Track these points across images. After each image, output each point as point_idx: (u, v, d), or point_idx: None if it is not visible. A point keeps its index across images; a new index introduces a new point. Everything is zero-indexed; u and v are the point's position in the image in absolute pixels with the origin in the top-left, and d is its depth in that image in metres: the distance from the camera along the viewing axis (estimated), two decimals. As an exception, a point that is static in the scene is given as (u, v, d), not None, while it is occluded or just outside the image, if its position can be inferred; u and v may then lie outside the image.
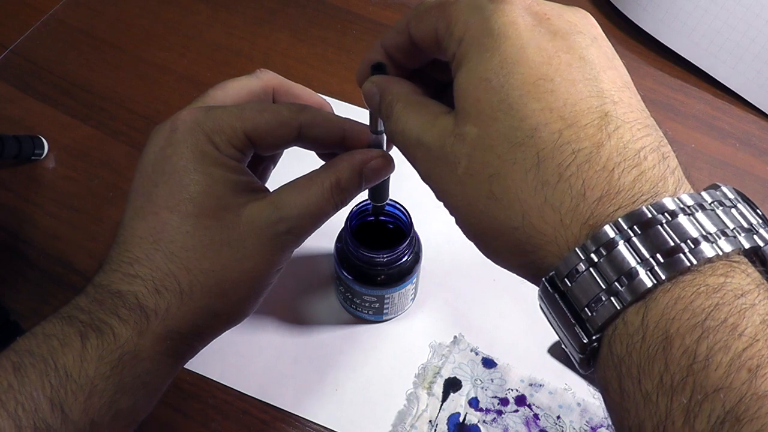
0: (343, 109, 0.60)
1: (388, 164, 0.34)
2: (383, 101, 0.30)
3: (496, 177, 0.24)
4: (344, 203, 0.33)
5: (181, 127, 0.31)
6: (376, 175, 0.33)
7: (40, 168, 0.57)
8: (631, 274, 0.21)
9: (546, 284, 0.23)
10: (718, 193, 0.23)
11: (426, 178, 0.27)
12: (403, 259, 0.44)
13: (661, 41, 0.64)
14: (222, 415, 0.45)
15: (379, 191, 0.38)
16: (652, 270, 0.21)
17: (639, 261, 0.21)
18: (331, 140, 0.34)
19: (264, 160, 0.37)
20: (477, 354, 0.47)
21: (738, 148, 0.59)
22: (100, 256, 0.52)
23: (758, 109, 0.61)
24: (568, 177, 0.22)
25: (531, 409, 0.45)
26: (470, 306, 0.50)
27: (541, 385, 0.46)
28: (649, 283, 0.21)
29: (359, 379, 0.47)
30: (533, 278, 0.25)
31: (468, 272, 0.51)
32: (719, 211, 0.22)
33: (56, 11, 0.67)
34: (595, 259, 0.22)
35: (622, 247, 0.21)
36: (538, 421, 0.45)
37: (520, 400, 0.46)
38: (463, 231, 0.27)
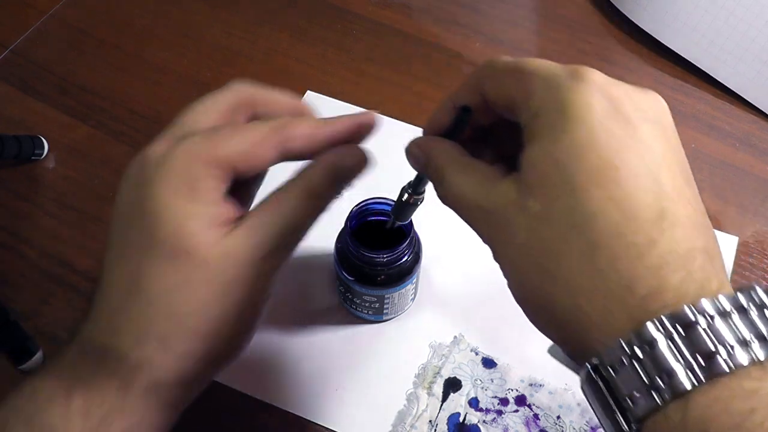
0: (343, 110, 0.60)
1: (362, 160, 0.33)
2: (430, 164, 0.30)
3: (552, 254, 0.24)
4: (323, 209, 0.32)
5: (152, 164, 0.29)
6: (351, 173, 0.33)
7: (40, 168, 0.57)
8: (673, 374, 0.22)
9: (590, 370, 0.24)
10: (753, 295, 0.24)
11: (485, 239, 0.28)
12: (403, 259, 0.44)
13: (661, 41, 0.64)
14: (221, 415, 0.45)
15: (403, 212, 0.38)
16: (692, 371, 0.22)
17: (680, 362, 0.22)
18: (315, 151, 0.32)
19: (247, 182, 0.34)
20: (477, 354, 0.47)
21: (738, 148, 0.59)
22: (100, 256, 0.52)
23: (758, 109, 0.61)
24: (620, 269, 0.23)
25: (531, 409, 0.45)
26: (470, 306, 0.50)
27: (541, 385, 0.46)
28: (689, 385, 0.22)
29: (359, 379, 0.47)
30: (573, 353, 0.26)
31: (468, 272, 0.51)
32: (754, 316, 0.23)
33: (56, 11, 0.67)
34: (639, 355, 0.22)
35: (664, 347, 0.22)
36: (538, 421, 0.45)
37: (520, 400, 0.46)
38: (513, 295, 0.27)
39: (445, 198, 0.29)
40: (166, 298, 0.28)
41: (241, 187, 0.33)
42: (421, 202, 0.37)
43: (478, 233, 0.28)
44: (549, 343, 0.44)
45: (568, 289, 0.24)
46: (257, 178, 0.35)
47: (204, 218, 0.29)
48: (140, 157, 0.30)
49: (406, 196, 0.36)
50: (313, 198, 0.31)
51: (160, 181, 0.29)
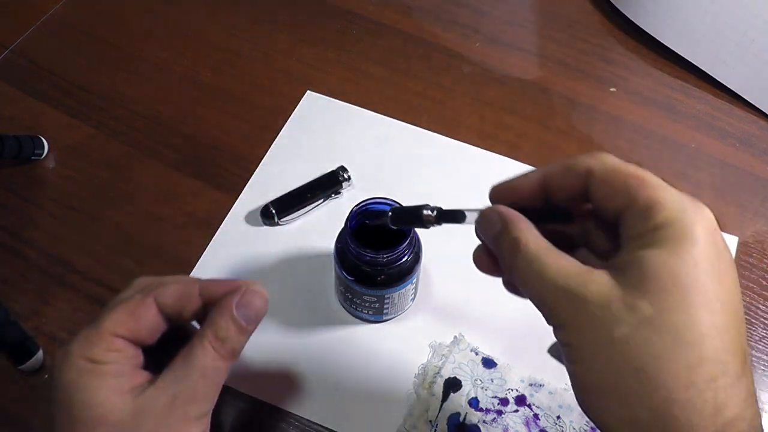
0: (343, 109, 0.60)
1: (262, 300, 0.34)
2: (506, 234, 0.30)
3: (655, 358, 0.26)
4: (234, 352, 0.33)
5: (60, 359, 0.32)
6: (253, 312, 0.34)
7: (40, 168, 0.57)
8: None
9: None
10: None
11: (561, 322, 0.28)
12: (403, 259, 0.44)
13: (661, 41, 0.64)
14: (222, 415, 0.45)
15: (406, 223, 0.39)
16: None
17: None
18: (192, 310, 0.35)
19: (163, 345, 0.36)
20: (477, 354, 0.47)
21: (738, 148, 0.59)
22: (100, 256, 0.52)
23: (758, 109, 0.61)
24: (716, 389, 0.25)
25: (531, 409, 0.45)
26: (470, 306, 0.50)
27: (541, 385, 0.46)
28: None
29: (359, 379, 0.47)
30: None
31: (468, 272, 0.51)
32: None
33: (56, 11, 0.67)
34: None
35: None
36: (538, 421, 0.45)
37: (520, 400, 0.46)
38: (579, 383, 0.28)
39: (523, 273, 0.29)
40: None
41: (157, 350, 0.35)
42: (428, 227, 0.37)
43: (552, 315, 0.29)
44: (549, 343, 0.44)
45: (660, 395, 0.25)
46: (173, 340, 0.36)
47: (111, 388, 0.31)
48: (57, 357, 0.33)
49: (425, 214, 0.37)
50: (218, 343, 0.33)
51: (68, 370, 0.32)
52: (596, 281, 0.27)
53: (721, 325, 0.26)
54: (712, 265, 0.26)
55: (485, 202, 0.58)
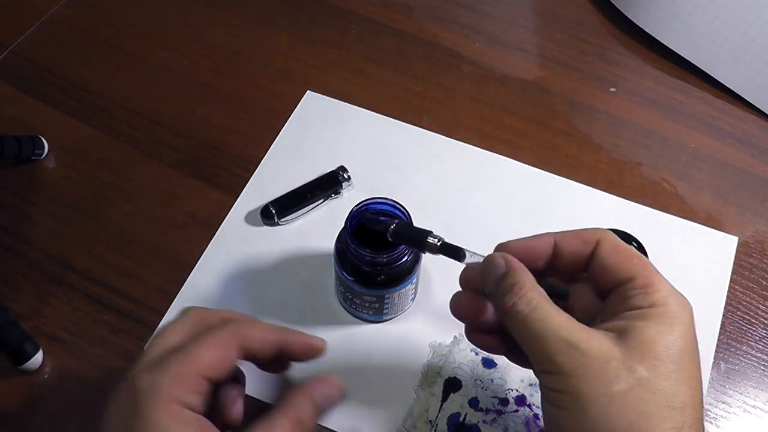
0: (343, 109, 0.60)
1: (339, 392, 0.37)
2: (510, 278, 0.33)
3: (647, 416, 0.29)
4: None
5: (141, 397, 0.31)
6: (330, 403, 0.36)
7: (40, 168, 0.57)
8: None
9: None
10: None
11: (557, 369, 0.31)
12: (403, 259, 0.44)
13: (661, 41, 0.64)
14: (222, 415, 0.45)
15: (405, 241, 0.40)
16: None
17: None
18: (269, 353, 0.36)
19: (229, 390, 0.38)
20: (477, 354, 0.47)
21: (738, 148, 0.59)
22: (100, 256, 0.52)
23: (758, 109, 0.61)
24: None
25: (531, 409, 0.45)
26: (470, 306, 0.50)
27: (541, 385, 0.46)
28: None
29: (359, 379, 0.47)
30: None
31: (468, 272, 0.51)
32: None
33: (56, 11, 0.67)
34: None
35: None
36: (538, 421, 0.45)
37: (520, 400, 0.46)
38: (568, 427, 0.31)
39: (528, 319, 0.32)
40: None
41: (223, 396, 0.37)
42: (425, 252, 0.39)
43: (552, 362, 0.31)
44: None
45: None
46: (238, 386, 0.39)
47: None
48: (125, 389, 0.33)
49: (429, 242, 0.39)
50: (297, 424, 0.34)
51: (157, 411, 0.31)
52: (597, 339, 0.31)
53: (698, 399, 0.30)
54: (694, 347, 0.31)
55: (485, 202, 0.58)
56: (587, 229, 0.35)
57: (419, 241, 0.38)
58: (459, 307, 0.38)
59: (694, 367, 0.31)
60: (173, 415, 0.31)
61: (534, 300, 0.32)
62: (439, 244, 0.38)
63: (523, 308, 0.32)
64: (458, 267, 0.52)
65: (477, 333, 0.38)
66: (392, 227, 0.40)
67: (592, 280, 0.35)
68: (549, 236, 0.36)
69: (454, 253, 0.38)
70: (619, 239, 0.35)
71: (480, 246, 0.53)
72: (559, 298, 0.35)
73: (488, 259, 0.35)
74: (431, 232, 0.39)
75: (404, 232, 0.40)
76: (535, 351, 0.32)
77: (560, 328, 0.31)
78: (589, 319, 0.34)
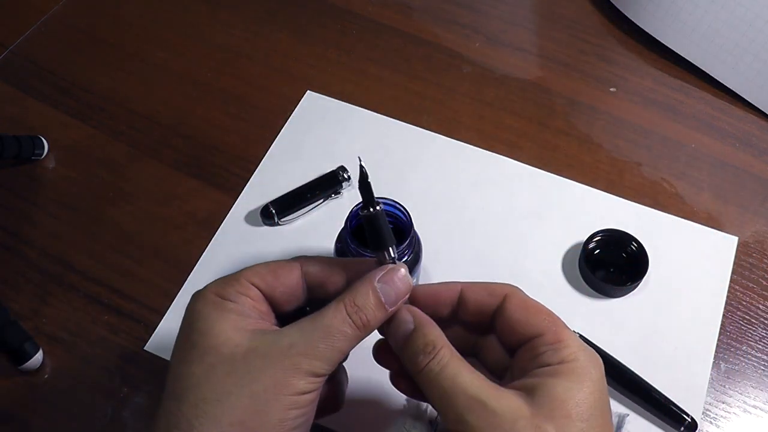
0: (343, 109, 0.60)
1: (405, 284, 0.34)
2: (420, 336, 0.32)
3: None
4: (367, 325, 0.33)
5: (194, 295, 0.33)
6: (394, 292, 0.34)
7: (40, 168, 0.57)
8: None
9: None
10: None
11: (465, 428, 0.30)
12: (403, 259, 0.43)
13: (661, 41, 0.64)
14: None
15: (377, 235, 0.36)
16: None
17: None
18: (334, 278, 0.35)
19: (334, 378, 0.37)
20: (477, 354, 0.47)
21: (738, 148, 0.59)
22: (100, 256, 0.52)
23: (758, 109, 0.61)
24: None
25: (531, 409, 0.45)
26: (470, 306, 0.50)
27: (541, 385, 0.46)
28: None
29: (359, 379, 0.47)
30: None
31: (468, 272, 0.51)
32: None
33: (56, 11, 0.67)
34: None
35: None
36: (538, 421, 0.45)
37: (520, 400, 0.45)
38: None
39: (439, 378, 0.31)
40: (195, 390, 0.31)
41: (330, 384, 0.36)
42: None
43: (460, 420, 0.30)
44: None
45: None
46: (339, 376, 0.37)
47: (232, 323, 0.32)
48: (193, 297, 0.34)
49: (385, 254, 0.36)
50: (352, 308, 0.33)
51: (197, 300, 0.33)
52: (507, 397, 0.30)
53: None
54: (605, 403, 0.31)
55: (485, 202, 0.57)
56: (496, 282, 0.35)
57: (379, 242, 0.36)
58: (380, 356, 0.36)
59: (606, 424, 0.31)
60: (208, 301, 0.32)
61: (444, 358, 0.32)
62: (394, 258, 0.35)
63: (434, 367, 0.31)
64: (458, 267, 0.52)
65: (400, 378, 0.36)
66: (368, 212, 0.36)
67: (499, 335, 0.34)
68: (456, 284, 0.35)
69: (367, 202, 0.35)
70: (525, 296, 0.34)
71: (480, 246, 0.53)
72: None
73: (395, 317, 0.34)
74: (393, 243, 0.36)
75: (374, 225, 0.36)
76: (445, 408, 0.31)
77: (470, 386, 0.31)
78: (500, 373, 0.34)
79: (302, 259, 0.35)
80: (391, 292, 0.33)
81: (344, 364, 0.48)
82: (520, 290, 0.34)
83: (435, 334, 0.33)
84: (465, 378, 0.31)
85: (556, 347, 0.32)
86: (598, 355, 0.32)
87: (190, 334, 0.32)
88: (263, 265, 0.34)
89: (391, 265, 0.34)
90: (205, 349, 0.31)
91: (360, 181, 0.34)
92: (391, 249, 0.35)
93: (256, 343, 0.31)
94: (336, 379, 0.37)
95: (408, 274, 0.34)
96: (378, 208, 0.34)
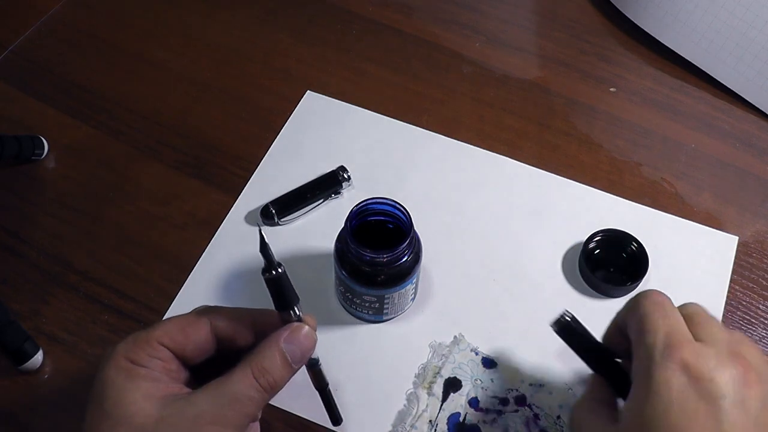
0: (343, 109, 0.60)
1: (310, 340, 0.35)
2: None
3: None
4: (274, 386, 0.34)
5: (104, 356, 0.34)
6: (299, 351, 0.35)
7: (40, 168, 0.57)
8: None
9: None
10: None
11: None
12: (403, 259, 0.43)
13: (661, 41, 0.64)
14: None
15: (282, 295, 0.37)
16: None
17: None
18: (241, 330, 0.35)
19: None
20: (477, 354, 0.47)
21: (738, 148, 0.59)
22: (100, 256, 0.52)
23: (758, 109, 0.61)
24: None
25: (531, 409, 0.45)
26: (470, 306, 0.50)
27: (541, 385, 0.46)
28: None
29: (359, 379, 0.47)
30: None
31: (468, 272, 0.51)
32: None
33: (56, 11, 0.67)
34: None
35: None
36: (538, 421, 0.45)
37: (520, 400, 0.46)
38: None
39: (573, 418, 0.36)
40: None
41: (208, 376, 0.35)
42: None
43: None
44: (549, 342, 0.44)
45: None
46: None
47: (142, 391, 0.32)
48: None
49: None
50: (259, 372, 0.33)
51: (110, 366, 0.33)
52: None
53: None
54: (680, 408, 0.30)
55: (485, 202, 0.57)
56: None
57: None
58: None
59: (683, 427, 0.30)
60: (119, 368, 0.33)
61: (577, 412, 0.37)
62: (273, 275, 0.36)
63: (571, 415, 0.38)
64: (458, 267, 0.52)
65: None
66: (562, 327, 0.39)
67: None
68: (613, 323, 0.39)
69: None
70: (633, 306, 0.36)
71: (480, 246, 0.53)
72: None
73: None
74: (298, 302, 0.37)
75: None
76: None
77: (592, 428, 0.35)
78: None
79: (211, 314, 0.35)
80: (296, 351, 0.34)
81: (343, 365, 0.48)
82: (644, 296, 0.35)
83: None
84: (587, 424, 0.35)
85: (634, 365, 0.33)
86: (680, 359, 0.31)
87: (103, 402, 0.32)
88: (172, 322, 0.35)
89: (296, 323, 0.35)
90: (117, 420, 0.31)
91: (260, 246, 0.35)
92: (296, 308, 0.36)
93: (166, 413, 0.31)
94: None
95: (312, 330, 0.35)
96: (280, 270, 0.35)
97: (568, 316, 0.38)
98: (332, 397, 0.40)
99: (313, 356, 0.37)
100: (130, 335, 0.34)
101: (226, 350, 0.36)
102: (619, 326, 0.37)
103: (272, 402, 0.45)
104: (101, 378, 0.33)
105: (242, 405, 0.32)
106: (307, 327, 0.35)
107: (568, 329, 0.38)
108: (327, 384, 0.40)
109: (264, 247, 0.35)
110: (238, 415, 0.32)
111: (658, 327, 0.33)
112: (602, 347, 0.39)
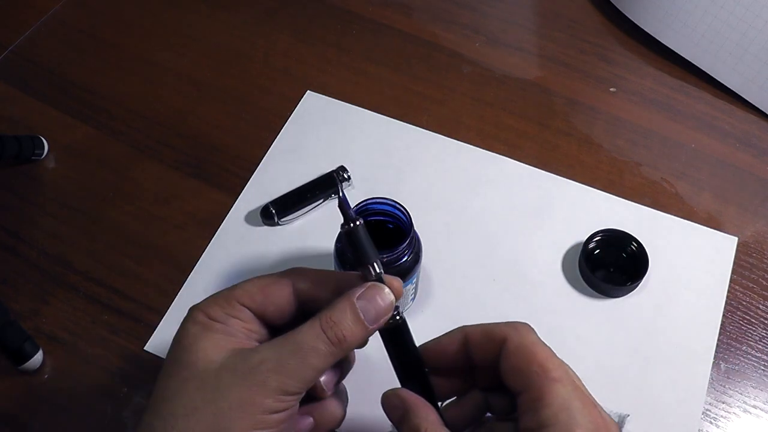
0: (343, 109, 0.60)
1: (386, 301, 0.33)
2: (408, 421, 0.32)
3: None
4: (342, 341, 0.32)
5: (190, 315, 0.33)
6: (374, 310, 0.33)
7: (40, 168, 0.57)
8: None
9: None
10: None
11: None
12: (403, 259, 0.43)
13: (661, 41, 0.64)
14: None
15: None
16: None
17: None
18: (324, 293, 0.34)
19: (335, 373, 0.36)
20: (477, 354, 0.47)
21: (738, 148, 0.59)
22: (100, 256, 0.52)
23: (758, 109, 0.61)
24: None
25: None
26: (470, 306, 0.50)
27: (541, 385, 0.46)
28: None
29: (359, 379, 0.47)
30: None
31: (468, 272, 0.51)
32: None
33: (56, 11, 0.67)
34: None
35: None
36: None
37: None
38: None
39: None
40: (167, 404, 0.31)
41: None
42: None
43: None
44: (548, 342, 0.44)
45: None
46: (341, 369, 0.37)
47: (213, 341, 0.32)
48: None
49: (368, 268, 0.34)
50: (327, 324, 0.32)
51: (186, 321, 0.33)
52: None
53: None
54: None
55: (485, 202, 0.57)
56: (498, 323, 0.33)
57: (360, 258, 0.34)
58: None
59: None
60: (197, 321, 0.32)
61: None
62: (378, 273, 0.34)
63: None
64: (458, 267, 0.52)
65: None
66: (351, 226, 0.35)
67: (506, 385, 0.32)
68: (459, 332, 0.34)
69: (345, 217, 0.34)
70: (531, 338, 0.32)
71: (480, 246, 0.53)
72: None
73: (385, 401, 0.34)
74: (377, 260, 0.34)
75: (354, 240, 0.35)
76: None
77: None
78: None
79: (294, 275, 0.34)
80: (371, 310, 0.32)
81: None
82: (521, 330, 0.32)
83: (420, 416, 0.32)
84: None
85: (536, 407, 0.30)
86: (588, 412, 0.29)
87: (176, 349, 0.32)
88: (254, 282, 0.34)
89: (372, 283, 0.33)
90: (183, 364, 0.31)
91: (339, 197, 0.34)
92: (375, 265, 0.34)
93: (230, 361, 0.31)
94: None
95: (392, 294, 0.33)
96: (358, 223, 0.33)
97: (400, 318, 0.35)
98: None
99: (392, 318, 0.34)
100: (211, 295, 0.34)
101: (309, 312, 0.34)
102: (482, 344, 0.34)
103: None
104: (180, 330, 0.33)
105: (306, 355, 0.31)
106: (386, 288, 0.33)
107: (400, 330, 0.35)
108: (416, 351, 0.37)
109: (343, 201, 0.33)
110: (302, 366, 0.31)
111: (562, 386, 0.30)
112: (420, 358, 0.36)
